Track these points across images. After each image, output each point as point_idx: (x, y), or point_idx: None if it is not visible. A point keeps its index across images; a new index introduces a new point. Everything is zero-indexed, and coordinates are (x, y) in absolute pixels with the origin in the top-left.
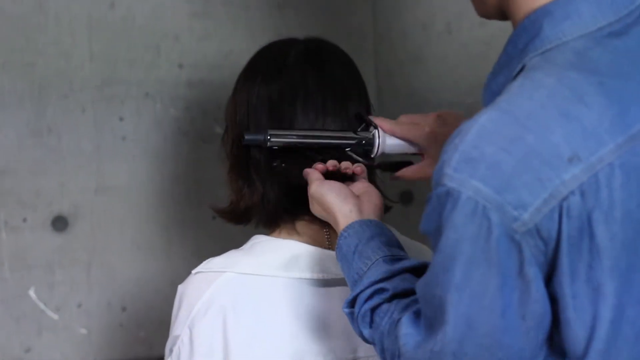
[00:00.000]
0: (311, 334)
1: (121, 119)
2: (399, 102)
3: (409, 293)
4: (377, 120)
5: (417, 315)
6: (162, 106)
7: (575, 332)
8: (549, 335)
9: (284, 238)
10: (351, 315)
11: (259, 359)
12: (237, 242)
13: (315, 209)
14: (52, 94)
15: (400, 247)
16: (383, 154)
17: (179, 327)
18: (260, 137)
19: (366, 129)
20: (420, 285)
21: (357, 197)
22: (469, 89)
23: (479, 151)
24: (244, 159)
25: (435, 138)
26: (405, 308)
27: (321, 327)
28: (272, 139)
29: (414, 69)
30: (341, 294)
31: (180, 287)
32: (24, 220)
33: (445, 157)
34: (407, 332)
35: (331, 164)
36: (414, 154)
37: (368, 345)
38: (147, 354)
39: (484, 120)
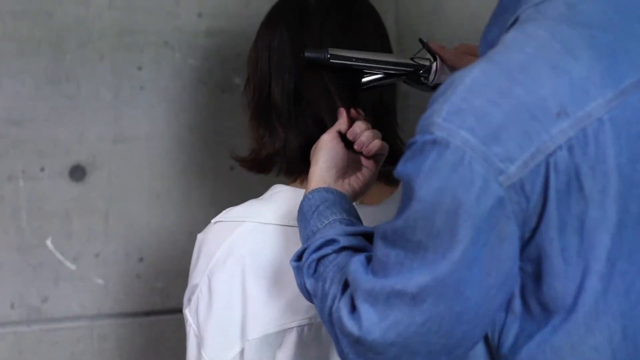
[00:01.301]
0: None
1: (139, 68)
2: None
3: (359, 250)
4: (437, 48)
5: (369, 259)
6: (181, 55)
7: (564, 284)
8: (522, 297)
9: (304, 188)
10: (297, 269)
11: (278, 308)
12: (255, 192)
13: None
14: (71, 42)
15: (359, 219)
16: (439, 83)
17: (198, 276)
18: (320, 55)
19: (423, 54)
20: (387, 229)
21: (343, 174)
22: None
23: (469, 103)
24: (266, 107)
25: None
26: (353, 255)
27: None
28: (332, 58)
29: (435, 17)
30: None
31: (199, 236)
32: (42, 169)
33: (435, 106)
34: (357, 269)
35: (354, 114)
36: None
37: None
38: (164, 304)
39: (476, 72)
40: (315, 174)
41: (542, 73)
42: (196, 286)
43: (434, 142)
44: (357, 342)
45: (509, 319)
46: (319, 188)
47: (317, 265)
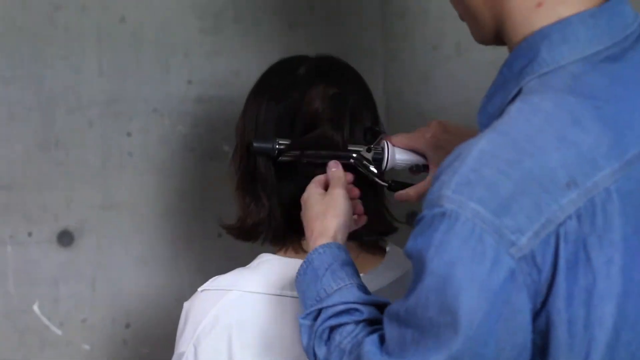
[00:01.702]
0: None
1: (129, 135)
2: (407, 122)
3: (376, 322)
4: (392, 139)
5: (382, 339)
6: (170, 122)
7: (569, 357)
8: None
9: (290, 256)
10: (309, 328)
11: None
12: (243, 260)
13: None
14: (60, 108)
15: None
16: (393, 168)
17: (185, 344)
18: (268, 145)
19: (373, 142)
20: (399, 309)
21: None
22: (478, 109)
23: (478, 174)
24: (251, 176)
25: (437, 144)
26: (370, 332)
27: None
28: (280, 148)
29: (423, 89)
30: None
31: (186, 304)
32: (30, 234)
33: (444, 178)
34: (371, 350)
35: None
36: (424, 165)
37: None
38: None
39: (483, 143)
40: (326, 227)
41: (550, 144)
42: (182, 354)
43: (444, 215)
44: None
45: None
46: (330, 243)
47: (332, 333)
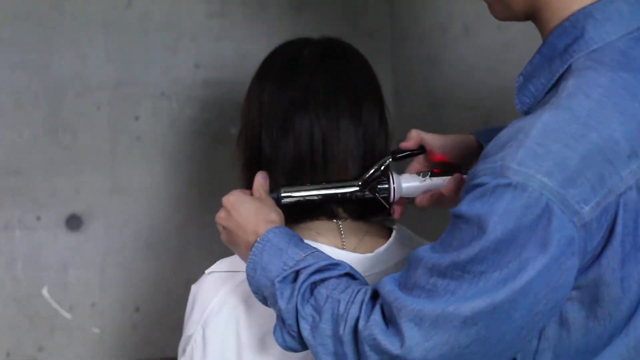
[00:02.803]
0: None
1: (137, 119)
2: (416, 104)
3: (355, 278)
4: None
5: (397, 282)
6: (178, 106)
7: (620, 309)
8: (561, 325)
9: None
10: (289, 290)
11: (272, 357)
12: None
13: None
14: (68, 93)
15: None
16: (401, 197)
17: (192, 327)
18: (273, 195)
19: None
20: (440, 261)
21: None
22: (487, 92)
23: (545, 147)
24: (256, 158)
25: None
26: (359, 284)
27: None
28: (283, 199)
29: (431, 71)
30: None
31: (193, 287)
32: (38, 219)
33: (508, 151)
34: (394, 289)
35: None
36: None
37: None
38: (159, 355)
39: (547, 118)
40: (272, 218)
41: (611, 117)
42: (190, 336)
43: (509, 185)
44: (395, 359)
45: (543, 345)
46: (282, 227)
47: (317, 289)
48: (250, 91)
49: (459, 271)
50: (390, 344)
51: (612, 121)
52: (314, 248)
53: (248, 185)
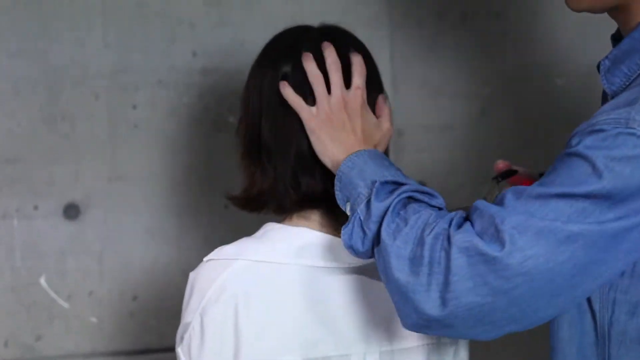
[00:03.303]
0: (323, 323)
1: (134, 107)
2: (414, 91)
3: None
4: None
5: None
6: (176, 94)
7: None
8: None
9: (295, 225)
10: (385, 195)
11: (269, 347)
12: (249, 231)
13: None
14: (66, 82)
15: None
16: None
17: (190, 314)
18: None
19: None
20: (546, 192)
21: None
22: (485, 79)
23: None
24: (257, 145)
25: None
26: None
27: (334, 317)
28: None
29: (429, 58)
30: (355, 283)
31: (191, 275)
32: (36, 208)
33: (634, 106)
34: (491, 204)
35: None
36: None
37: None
38: (158, 343)
39: None
40: (370, 135)
41: None
42: (188, 324)
43: (632, 134)
44: (491, 261)
45: (619, 295)
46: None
47: (408, 204)
48: (249, 79)
49: (568, 198)
50: (488, 246)
51: None
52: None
53: (247, 176)
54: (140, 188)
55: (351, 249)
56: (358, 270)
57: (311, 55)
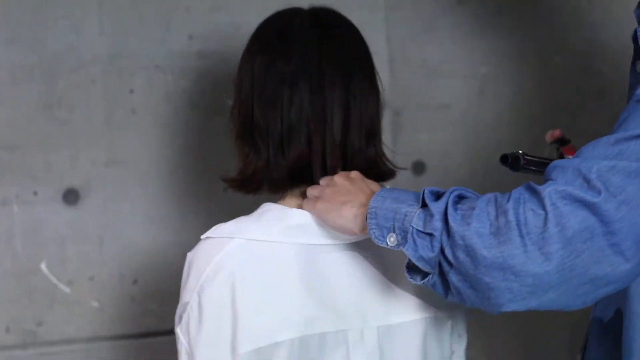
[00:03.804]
0: (321, 300)
1: (131, 92)
2: (411, 72)
3: None
4: None
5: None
6: (173, 78)
7: None
8: None
9: (291, 206)
10: (435, 198)
11: (267, 325)
12: (248, 213)
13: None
14: (63, 68)
15: None
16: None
17: (188, 294)
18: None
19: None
20: (628, 133)
21: None
22: (482, 58)
23: None
24: (249, 126)
25: None
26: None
27: (330, 293)
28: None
29: (426, 38)
30: (350, 259)
31: (189, 255)
32: (35, 194)
33: None
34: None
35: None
36: None
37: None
38: (159, 326)
39: None
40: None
41: None
42: (187, 304)
43: None
44: (588, 207)
45: None
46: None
47: (462, 199)
48: (241, 63)
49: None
50: (585, 192)
51: None
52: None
53: (242, 157)
54: (139, 172)
55: (421, 260)
56: (354, 247)
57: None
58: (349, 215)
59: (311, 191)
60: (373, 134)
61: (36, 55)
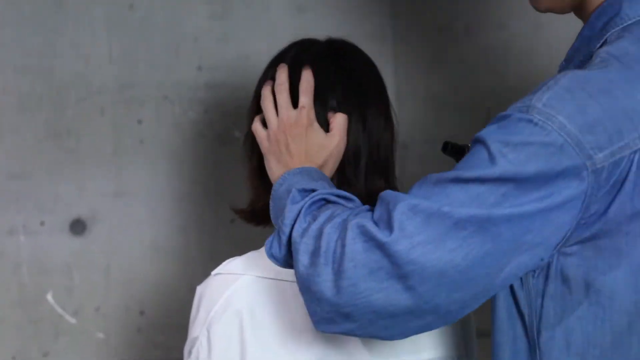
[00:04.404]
0: (330, 340)
1: (140, 122)
2: (418, 104)
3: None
4: None
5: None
6: (181, 109)
7: (623, 260)
8: (563, 280)
9: None
10: (300, 198)
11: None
12: (255, 246)
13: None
14: (71, 97)
15: None
16: None
17: (197, 328)
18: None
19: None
20: (444, 178)
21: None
22: (489, 92)
23: (571, 94)
24: (261, 160)
25: None
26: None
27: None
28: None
29: (433, 71)
30: None
31: (199, 288)
32: (42, 223)
33: (537, 94)
34: (394, 191)
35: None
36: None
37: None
38: (165, 358)
39: (578, 72)
40: (305, 157)
41: (637, 81)
42: (196, 339)
43: (530, 121)
44: (379, 247)
45: (546, 303)
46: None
47: (323, 205)
48: (256, 94)
49: (462, 183)
50: (379, 231)
51: (637, 84)
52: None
53: (253, 187)
54: (146, 203)
55: (272, 257)
56: None
57: (286, 66)
58: (274, 180)
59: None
60: (387, 169)
61: (45, 83)
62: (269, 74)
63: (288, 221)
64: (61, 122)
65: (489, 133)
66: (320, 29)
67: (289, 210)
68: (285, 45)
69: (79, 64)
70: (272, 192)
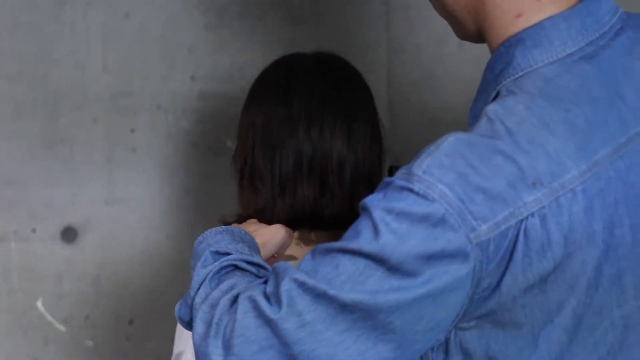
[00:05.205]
0: None
1: (132, 131)
2: (411, 118)
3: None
4: None
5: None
6: (174, 118)
7: (524, 331)
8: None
9: (289, 253)
10: (211, 261)
11: None
12: None
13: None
14: (65, 105)
15: None
16: None
17: (182, 343)
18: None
19: None
20: (333, 247)
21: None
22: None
23: (451, 160)
24: (251, 171)
25: None
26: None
27: None
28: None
29: (427, 85)
30: None
31: None
32: (34, 231)
33: (418, 160)
34: (288, 267)
35: None
36: None
37: None
38: None
39: (461, 135)
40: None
41: (520, 146)
42: (182, 353)
43: (411, 191)
44: (269, 324)
45: None
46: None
47: (231, 271)
48: (244, 110)
49: (349, 254)
50: (269, 307)
51: (519, 149)
52: (260, 258)
53: (241, 200)
54: (138, 211)
55: (179, 319)
56: None
57: None
58: None
59: None
60: (373, 181)
61: (39, 91)
62: (255, 97)
63: (194, 284)
64: (55, 130)
65: (373, 201)
66: (315, 40)
67: (196, 274)
68: (278, 56)
69: (73, 73)
70: (193, 248)
